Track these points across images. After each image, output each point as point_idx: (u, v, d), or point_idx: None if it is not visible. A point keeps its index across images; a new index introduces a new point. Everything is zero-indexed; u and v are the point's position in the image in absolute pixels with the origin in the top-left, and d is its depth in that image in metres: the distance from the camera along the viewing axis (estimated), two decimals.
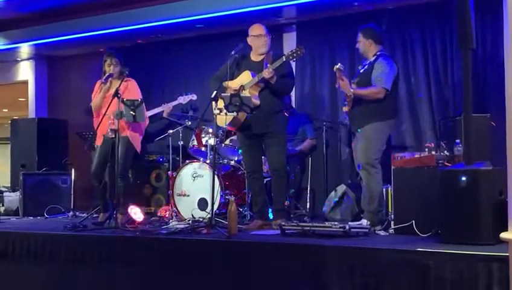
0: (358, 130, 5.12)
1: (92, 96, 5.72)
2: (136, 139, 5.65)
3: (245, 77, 5.23)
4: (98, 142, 5.62)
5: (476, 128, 4.35)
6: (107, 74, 5.59)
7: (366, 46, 5.22)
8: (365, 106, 5.06)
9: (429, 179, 4.46)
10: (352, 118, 5.21)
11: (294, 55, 5.07)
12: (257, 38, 5.29)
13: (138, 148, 5.68)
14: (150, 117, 6.43)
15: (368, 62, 5.20)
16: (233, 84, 5.26)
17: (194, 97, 6.93)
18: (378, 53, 5.17)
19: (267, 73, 5.05)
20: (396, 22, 6.49)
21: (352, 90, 5.07)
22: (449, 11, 5.86)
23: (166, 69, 7.93)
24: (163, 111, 6.91)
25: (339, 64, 5.13)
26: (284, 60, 5.08)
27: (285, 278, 4.04)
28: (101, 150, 5.58)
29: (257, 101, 5.14)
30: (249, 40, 5.33)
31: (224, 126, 5.24)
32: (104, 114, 5.41)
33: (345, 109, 5.28)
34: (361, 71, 5.24)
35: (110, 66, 5.61)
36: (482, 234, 3.85)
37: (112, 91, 5.46)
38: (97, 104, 5.63)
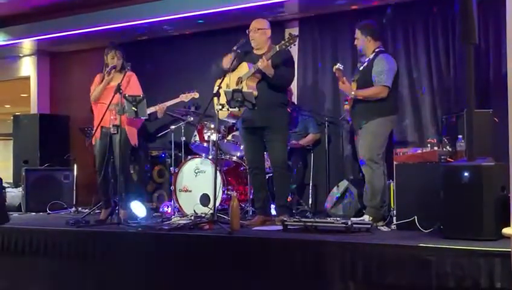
0: (361, 126, 5.11)
1: (92, 88, 5.69)
2: (133, 133, 5.64)
3: (243, 69, 5.23)
4: (97, 135, 5.55)
5: (479, 124, 4.33)
6: (110, 66, 5.58)
7: (365, 43, 5.20)
8: (366, 103, 5.06)
9: (431, 175, 4.46)
10: (354, 115, 5.20)
11: (287, 44, 5.01)
12: (259, 32, 5.27)
13: (134, 141, 5.65)
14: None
15: (367, 59, 5.18)
16: (233, 77, 5.25)
17: (196, 95, 6.91)
18: (376, 50, 5.15)
19: (260, 63, 5.03)
20: (398, 16, 6.46)
21: (353, 92, 5.07)
22: (452, 5, 5.88)
23: (168, 66, 7.90)
24: (156, 111, 6.61)
25: (338, 64, 5.12)
26: (278, 49, 5.04)
27: (287, 274, 4.04)
28: (102, 144, 5.55)
29: (255, 92, 5.12)
30: (251, 34, 5.30)
31: (226, 119, 5.24)
32: (107, 108, 5.37)
33: (346, 106, 5.27)
34: (361, 69, 5.23)
35: (114, 59, 5.61)
36: (484, 229, 3.85)
37: (113, 84, 5.46)
38: (96, 95, 5.61)
